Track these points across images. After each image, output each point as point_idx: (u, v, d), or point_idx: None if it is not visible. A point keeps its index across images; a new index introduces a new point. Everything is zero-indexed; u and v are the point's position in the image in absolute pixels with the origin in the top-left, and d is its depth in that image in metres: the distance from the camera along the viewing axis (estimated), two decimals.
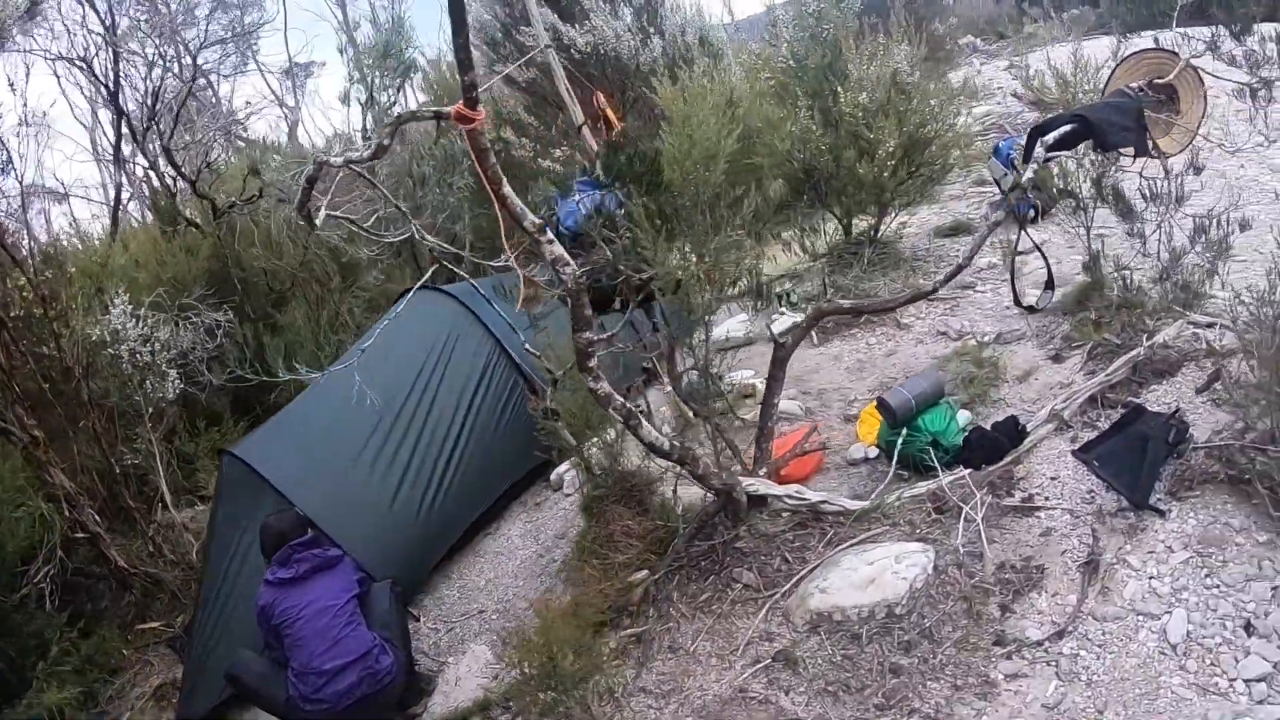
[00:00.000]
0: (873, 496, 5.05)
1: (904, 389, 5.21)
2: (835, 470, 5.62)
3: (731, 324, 7.69)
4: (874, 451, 5.44)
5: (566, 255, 3.72)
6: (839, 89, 7.16)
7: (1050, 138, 4.85)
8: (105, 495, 7.19)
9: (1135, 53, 5.67)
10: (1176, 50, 5.26)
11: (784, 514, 5.04)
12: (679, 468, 4.76)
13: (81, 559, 7.02)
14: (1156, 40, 5.43)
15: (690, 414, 6.07)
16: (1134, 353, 5.26)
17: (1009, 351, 6.06)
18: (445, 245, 4.27)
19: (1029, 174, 4.79)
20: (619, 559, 5.20)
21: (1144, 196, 5.37)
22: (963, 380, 5.88)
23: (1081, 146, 5.27)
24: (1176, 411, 4.79)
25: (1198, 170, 5.42)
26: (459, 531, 6.26)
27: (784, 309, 7.62)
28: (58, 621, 6.56)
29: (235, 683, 4.93)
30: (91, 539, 6.77)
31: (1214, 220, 5.01)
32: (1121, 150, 5.33)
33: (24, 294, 6.68)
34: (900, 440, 5.17)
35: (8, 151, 8.50)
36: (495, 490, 6.51)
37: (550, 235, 3.66)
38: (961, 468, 5.00)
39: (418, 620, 5.84)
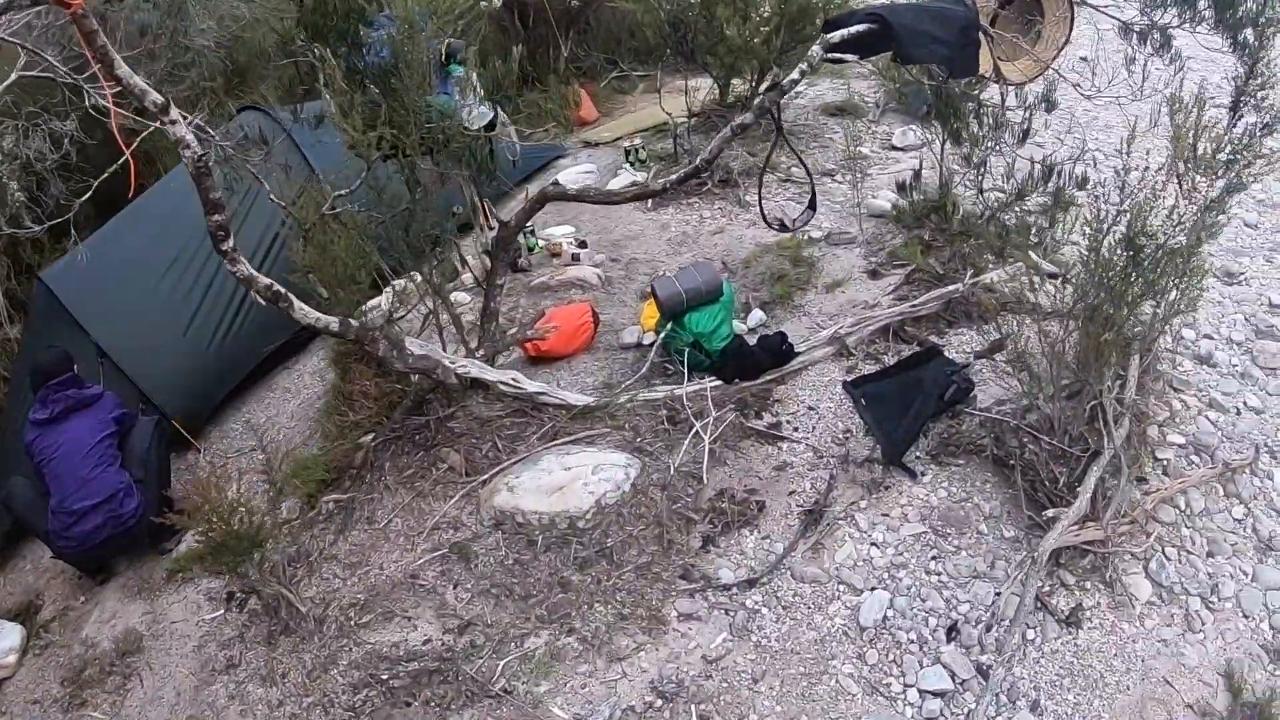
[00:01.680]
0: (602, 394, 4.53)
1: (676, 280, 4.59)
2: (605, 351, 5.08)
3: (572, 174, 6.95)
4: (650, 338, 4.85)
5: (190, 138, 3.24)
6: None
7: (835, 36, 3.98)
8: None
9: None
10: None
11: (504, 399, 4.45)
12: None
13: None
14: None
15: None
16: (951, 288, 4.72)
17: (832, 254, 5.48)
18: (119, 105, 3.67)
19: (795, 74, 3.97)
20: (354, 419, 4.82)
21: (979, 123, 4.70)
22: (771, 276, 5.27)
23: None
24: (964, 366, 4.25)
25: (1050, 107, 4.73)
26: (249, 366, 5.83)
27: (628, 165, 6.88)
28: None
29: (6, 508, 4.99)
30: None
31: (1057, 169, 4.41)
32: (933, 68, 4.58)
33: None
34: (663, 335, 4.58)
35: None
36: (292, 326, 5.89)
37: (175, 115, 3.19)
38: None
39: (200, 453, 5.47)
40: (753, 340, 4.67)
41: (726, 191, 6.39)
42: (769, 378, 4.42)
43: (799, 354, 4.48)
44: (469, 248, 5.77)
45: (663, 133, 7.45)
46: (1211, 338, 4.49)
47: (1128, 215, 3.21)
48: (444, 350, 4.51)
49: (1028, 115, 4.81)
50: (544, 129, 8.22)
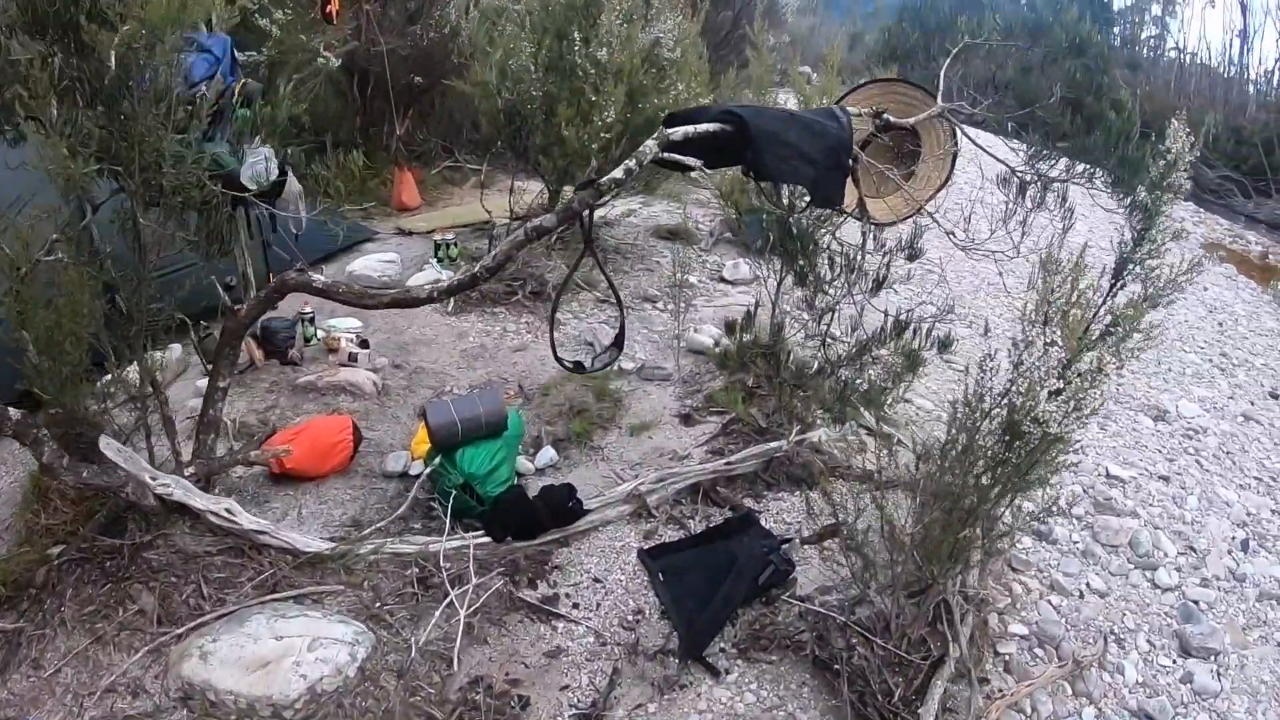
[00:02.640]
0: (346, 535, 3.66)
1: (452, 406, 3.82)
2: (364, 476, 4.19)
3: (371, 261, 6.19)
4: (418, 468, 4.03)
5: None
6: (576, 35, 5.73)
7: (678, 132, 3.26)
8: None
9: (881, 80, 4.05)
10: (933, 94, 3.80)
11: (216, 532, 3.53)
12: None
13: None
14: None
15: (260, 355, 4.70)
16: (772, 445, 4.12)
17: (643, 390, 4.87)
18: None
19: (618, 173, 3.23)
20: (46, 522, 3.77)
21: (831, 265, 4.20)
22: (571, 410, 4.57)
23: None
24: (783, 544, 3.60)
25: (913, 256, 4.24)
26: None
27: (436, 260, 6.15)
28: None
29: None
30: None
31: (912, 326, 3.95)
32: (790, 188, 4.06)
33: None
34: (429, 469, 3.79)
35: None
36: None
37: None
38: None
39: None
40: (539, 485, 3.91)
41: (537, 305, 5.72)
42: (549, 538, 3.66)
43: (589, 512, 3.73)
44: None
45: (483, 231, 6.81)
46: (1050, 512, 4.08)
47: (1017, 399, 2.67)
48: (150, 459, 3.56)
49: (886, 261, 4.28)
50: (361, 207, 7.60)
